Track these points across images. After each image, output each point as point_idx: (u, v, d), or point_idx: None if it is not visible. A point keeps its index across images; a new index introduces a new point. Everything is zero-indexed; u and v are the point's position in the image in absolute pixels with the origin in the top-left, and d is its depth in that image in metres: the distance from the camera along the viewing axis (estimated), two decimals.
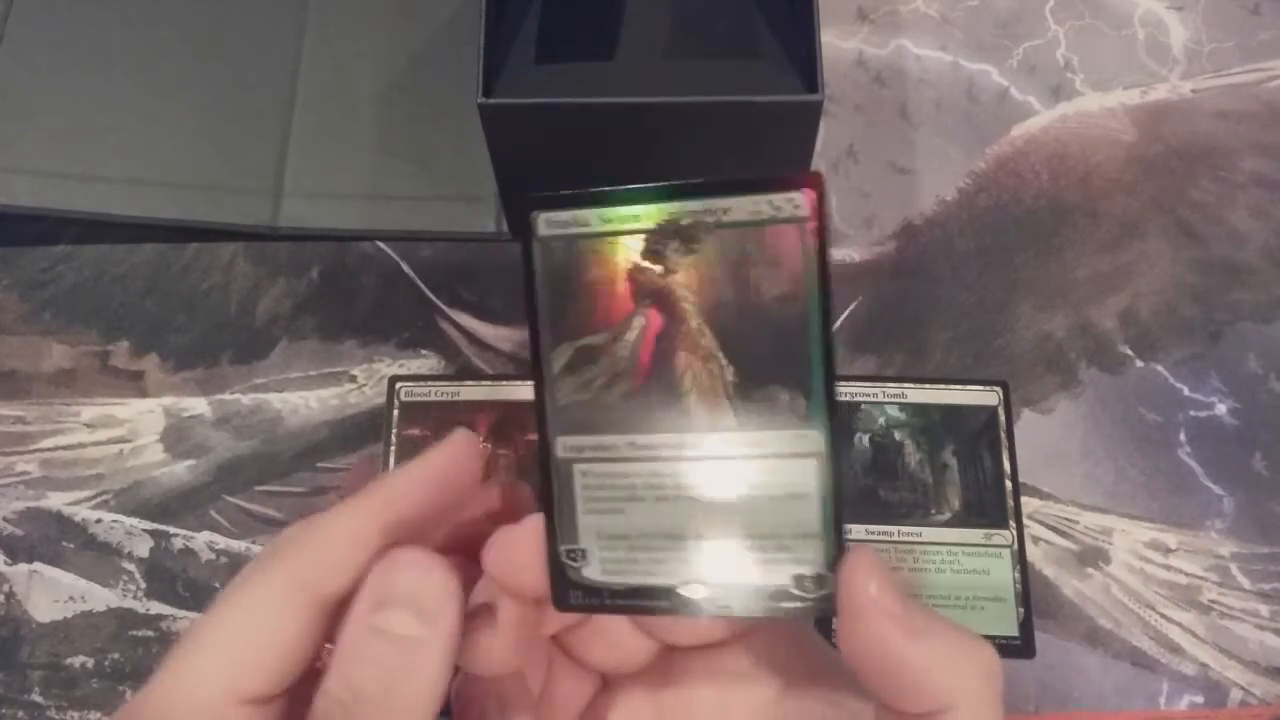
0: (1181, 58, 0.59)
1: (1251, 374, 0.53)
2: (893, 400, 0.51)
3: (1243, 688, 0.47)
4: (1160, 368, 0.53)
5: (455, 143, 0.55)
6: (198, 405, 0.52)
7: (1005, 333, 0.53)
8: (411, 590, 0.27)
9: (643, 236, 0.29)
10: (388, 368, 0.53)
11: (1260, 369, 0.53)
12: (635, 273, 0.29)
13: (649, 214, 0.29)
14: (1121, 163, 0.57)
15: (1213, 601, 0.49)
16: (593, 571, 0.29)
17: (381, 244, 0.55)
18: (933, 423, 0.51)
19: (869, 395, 0.52)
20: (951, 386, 0.52)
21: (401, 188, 0.56)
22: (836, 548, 0.28)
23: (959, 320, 0.54)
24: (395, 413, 0.51)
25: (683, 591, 0.29)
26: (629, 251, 0.29)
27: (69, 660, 0.48)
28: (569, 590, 0.29)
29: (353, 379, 0.53)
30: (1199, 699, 0.47)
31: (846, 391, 0.52)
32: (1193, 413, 0.52)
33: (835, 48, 0.59)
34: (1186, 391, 0.52)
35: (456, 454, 0.31)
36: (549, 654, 0.31)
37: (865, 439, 0.51)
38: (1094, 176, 0.57)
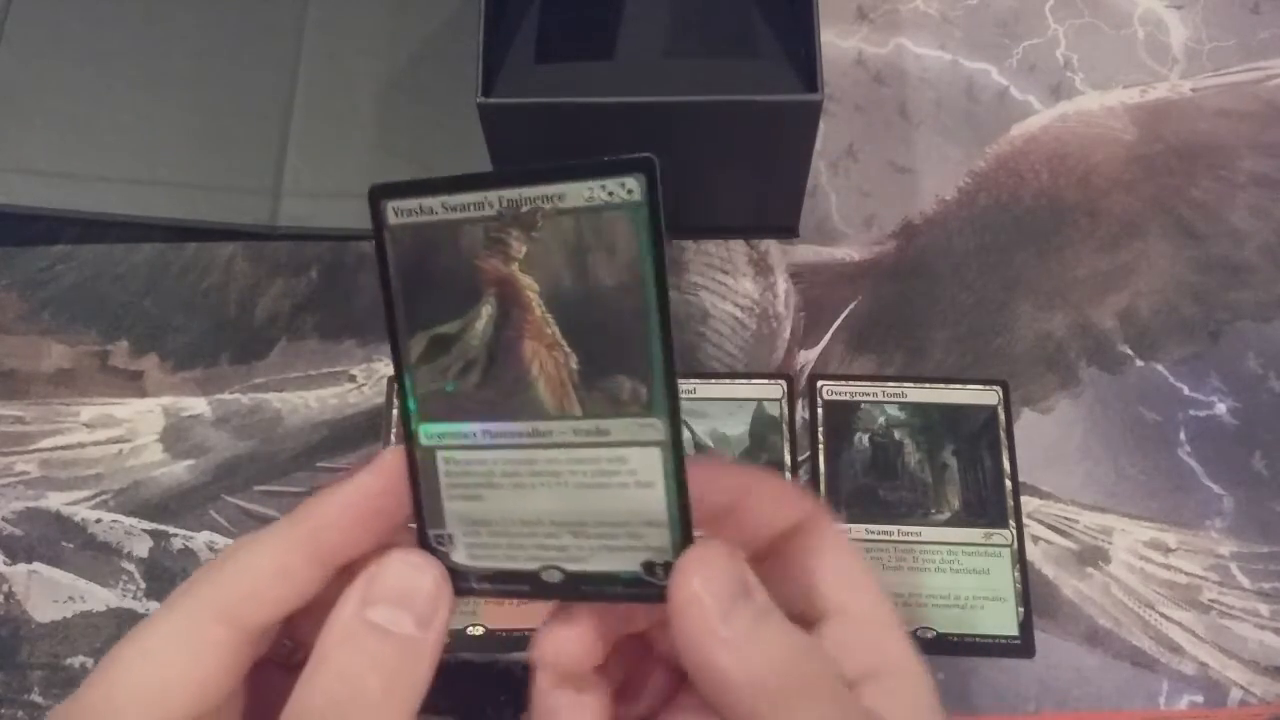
0: (1181, 57, 0.59)
1: (1251, 373, 0.53)
2: (892, 400, 0.51)
3: (1243, 687, 0.47)
4: (1160, 367, 0.53)
5: (455, 143, 0.55)
6: (197, 405, 0.52)
7: (1005, 332, 0.53)
8: (408, 590, 0.27)
9: (484, 224, 0.29)
10: (387, 367, 0.53)
11: (1260, 368, 0.53)
12: (480, 260, 0.29)
13: (489, 200, 0.29)
14: (1121, 162, 0.57)
15: (1213, 601, 0.49)
16: (459, 556, 0.30)
17: None
18: (932, 422, 0.51)
19: (869, 395, 0.52)
20: (951, 386, 0.52)
21: None
22: (683, 537, 0.28)
23: (959, 320, 0.54)
24: (395, 413, 0.51)
25: (543, 576, 0.29)
26: (473, 240, 0.29)
27: (68, 660, 0.48)
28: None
29: (352, 379, 0.53)
30: (1199, 698, 0.47)
31: (846, 391, 0.52)
32: (1193, 412, 0.52)
33: (835, 47, 0.59)
34: (1186, 391, 0.52)
35: (387, 478, 0.29)
36: (636, 650, 0.31)
37: (865, 438, 0.51)
38: (1094, 176, 0.56)
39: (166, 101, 0.57)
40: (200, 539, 0.50)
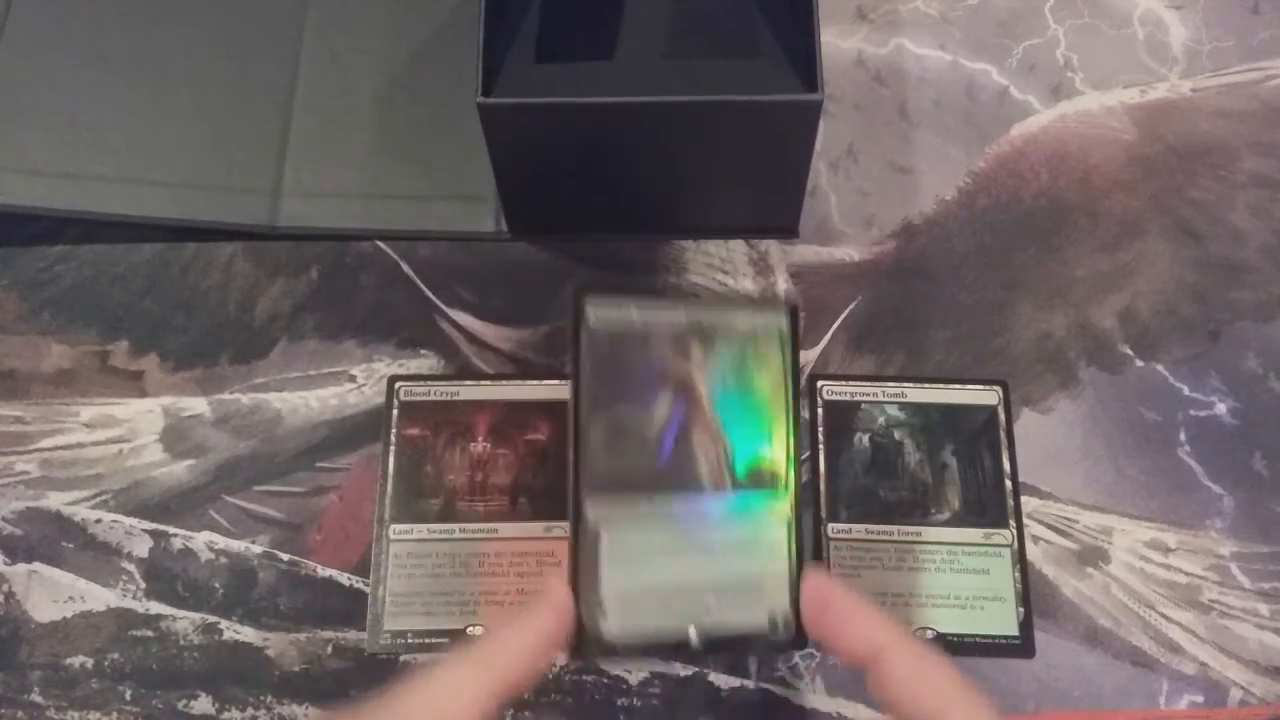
0: (1181, 57, 0.59)
1: (1251, 373, 0.53)
2: (892, 400, 0.51)
3: (1242, 687, 0.47)
4: (1160, 367, 0.53)
5: (455, 143, 0.55)
6: (197, 405, 0.52)
7: (1005, 332, 0.53)
8: None
9: (672, 334, 0.36)
10: (387, 367, 0.53)
11: (1260, 368, 0.53)
12: (665, 362, 0.36)
13: (679, 316, 0.37)
14: (1121, 162, 0.57)
15: (1212, 601, 0.49)
16: (611, 620, 0.34)
17: (381, 243, 0.55)
18: (932, 422, 0.51)
19: (869, 395, 0.52)
20: (951, 386, 0.52)
21: (401, 187, 0.56)
22: (796, 594, 0.36)
23: (959, 320, 0.54)
24: (395, 412, 0.51)
25: (687, 634, 0.35)
26: (662, 345, 0.36)
27: (68, 660, 0.48)
28: (587, 641, 0.34)
29: (352, 379, 0.53)
30: (1199, 698, 0.47)
31: (846, 391, 0.52)
32: (1192, 412, 0.52)
33: (835, 47, 0.59)
34: (1186, 391, 0.52)
35: (560, 615, 0.34)
36: None
37: (865, 438, 0.51)
38: (1094, 176, 0.57)
39: (167, 101, 0.57)
40: (200, 539, 0.50)
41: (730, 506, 0.36)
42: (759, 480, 0.37)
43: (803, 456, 0.50)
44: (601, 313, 0.36)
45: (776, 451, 0.37)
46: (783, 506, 0.37)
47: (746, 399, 0.37)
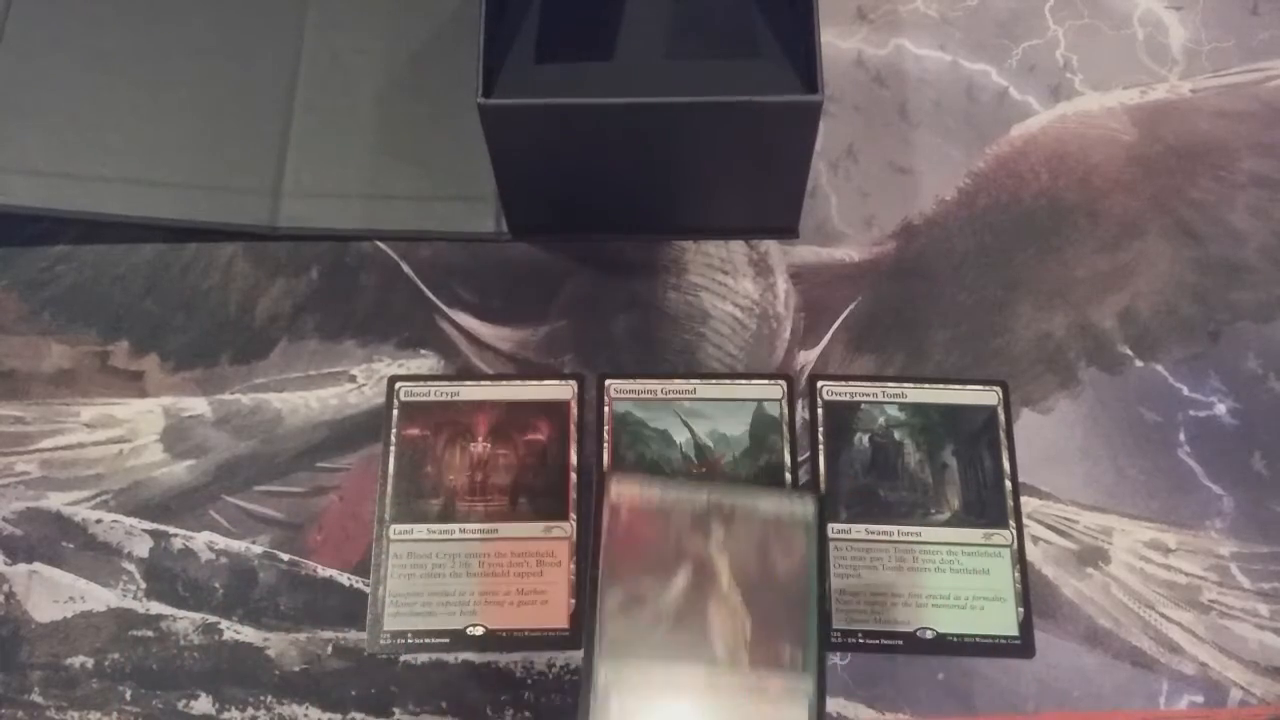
0: (1181, 57, 0.59)
1: (1251, 373, 0.53)
2: (892, 400, 0.51)
3: (1242, 687, 0.47)
4: (1160, 367, 0.53)
5: (455, 143, 0.55)
6: (197, 405, 0.52)
7: (1005, 332, 0.53)
8: None
9: (693, 513, 0.39)
10: (387, 367, 0.53)
11: (1260, 368, 0.53)
12: (686, 539, 0.39)
13: (700, 498, 0.40)
14: (1121, 162, 0.57)
15: (1212, 601, 0.49)
16: None
17: (381, 244, 0.55)
18: (932, 422, 0.51)
19: (869, 395, 0.52)
20: (951, 386, 0.52)
21: (401, 187, 0.56)
22: None
23: (959, 320, 0.54)
24: (395, 412, 0.51)
25: None
26: (682, 522, 0.39)
27: (69, 660, 0.48)
28: None
29: (352, 379, 0.53)
30: (1199, 698, 0.47)
31: (846, 391, 0.52)
32: (1192, 412, 0.52)
33: (835, 48, 0.59)
34: (1186, 391, 0.52)
35: None
36: None
37: (865, 439, 0.51)
38: (1093, 176, 0.57)
39: (167, 102, 0.57)
40: (200, 539, 0.50)
41: (745, 681, 0.38)
42: (777, 660, 0.39)
43: (802, 458, 0.51)
44: (624, 489, 0.40)
45: (796, 634, 0.39)
46: (803, 687, 0.38)
47: (767, 580, 0.40)
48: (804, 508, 0.41)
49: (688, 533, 0.40)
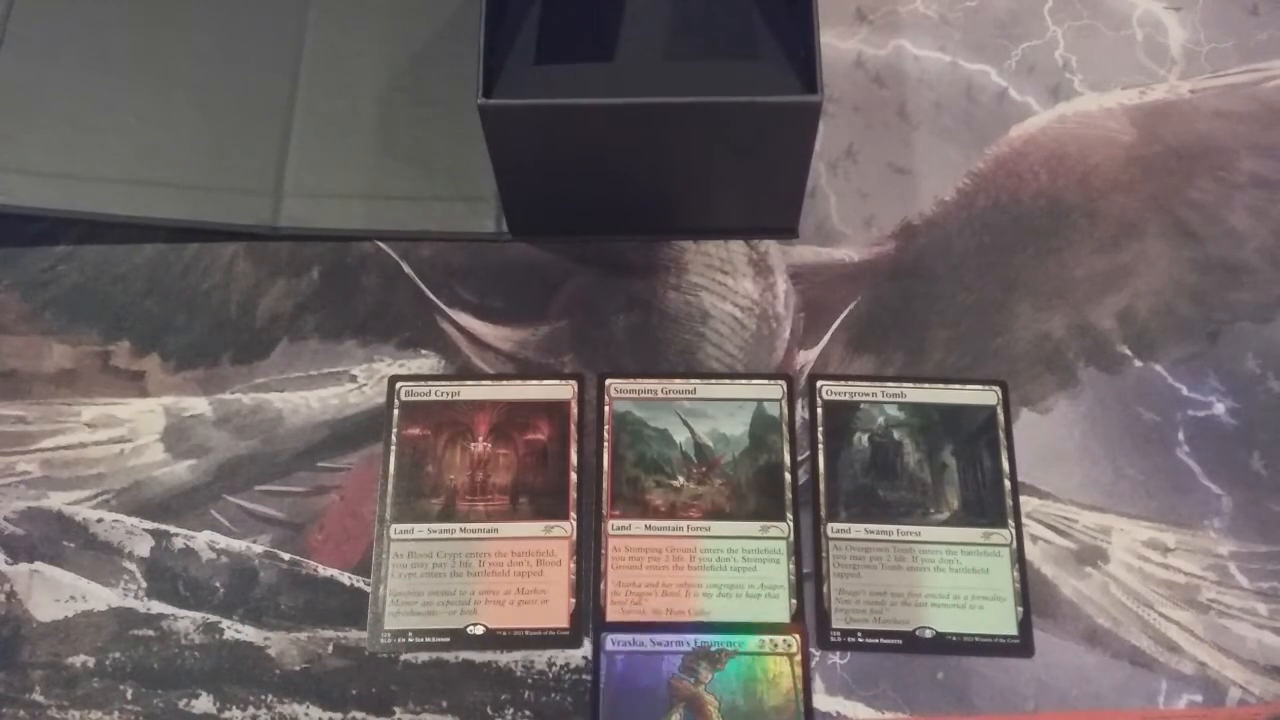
0: (1180, 58, 0.59)
1: (1250, 374, 0.53)
2: (892, 400, 0.51)
3: (1241, 686, 0.47)
4: (1159, 367, 0.53)
5: (455, 143, 0.55)
6: (198, 405, 0.52)
7: (1004, 332, 0.54)
8: None
9: (682, 655, 0.44)
10: (388, 367, 0.53)
11: (1259, 369, 0.53)
12: (676, 682, 0.44)
13: (687, 641, 0.44)
14: (1120, 163, 0.57)
15: (1211, 600, 0.49)
16: None
17: (381, 244, 0.55)
18: (932, 422, 0.51)
19: (868, 395, 0.52)
20: (950, 386, 0.52)
21: (402, 188, 0.56)
22: None
23: (958, 320, 0.54)
24: (395, 412, 0.51)
25: None
26: (671, 665, 0.44)
27: (70, 659, 0.48)
28: None
29: (353, 379, 0.53)
30: (1197, 698, 0.47)
31: (846, 391, 0.52)
32: (1191, 412, 0.52)
33: (834, 48, 0.59)
34: (1185, 391, 0.52)
35: None
36: None
37: (864, 438, 0.51)
38: (1093, 176, 0.57)
39: (168, 102, 0.57)
40: (201, 538, 0.50)
41: None
42: None
43: (801, 457, 0.51)
44: (617, 637, 0.44)
45: None
46: None
47: (756, 713, 0.44)
48: (787, 642, 0.45)
49: (678, 674, 0.44)
